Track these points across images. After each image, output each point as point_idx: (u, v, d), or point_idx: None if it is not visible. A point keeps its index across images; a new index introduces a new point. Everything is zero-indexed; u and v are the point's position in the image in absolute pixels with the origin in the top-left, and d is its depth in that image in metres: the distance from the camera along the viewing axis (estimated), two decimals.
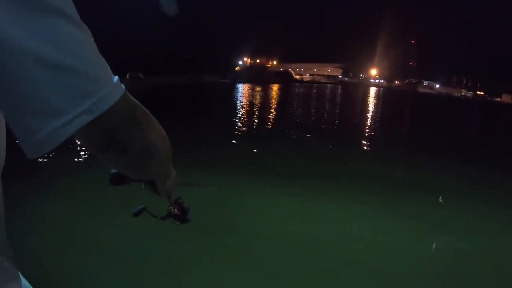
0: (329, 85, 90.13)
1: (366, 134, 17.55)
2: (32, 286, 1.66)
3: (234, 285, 4.66)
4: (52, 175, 8.52)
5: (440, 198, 5.46)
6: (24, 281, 1.52)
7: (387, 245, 5.71)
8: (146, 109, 0.66)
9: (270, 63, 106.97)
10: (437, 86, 78.56)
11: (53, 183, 8.07)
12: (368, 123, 21.96)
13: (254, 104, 32.89)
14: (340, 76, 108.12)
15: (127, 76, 54.43)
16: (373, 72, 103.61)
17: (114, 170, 0.72)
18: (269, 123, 20.40)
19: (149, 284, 4.54)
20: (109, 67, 0.57)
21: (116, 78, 0.57)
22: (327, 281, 4.70)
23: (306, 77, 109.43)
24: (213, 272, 4.91)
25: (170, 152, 0.75)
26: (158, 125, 0.70)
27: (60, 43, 0.49)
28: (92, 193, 7.94)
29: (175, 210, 1.06)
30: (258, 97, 42.26)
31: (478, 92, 64.78)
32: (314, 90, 64.90)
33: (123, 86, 0.58)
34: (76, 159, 10.15)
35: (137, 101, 0.64)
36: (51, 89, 0.48)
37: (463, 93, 66.61)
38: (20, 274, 0.70)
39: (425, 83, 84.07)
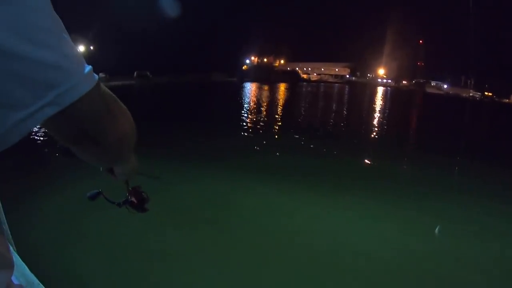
0: (337, 84, 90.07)
1: (372, 135, 17.91)
2: (34, 275, 2.15)
3: (235, 274, 4.94)
4: (53, 171, 8.87)
5: (437, 229, 5.64)
6: (26, 271, 1.94)
7: (393, 243, 6.11)
8: (116, 97, 0.65)
9: (278, 62, 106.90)
10: (445, 86, 78.12)
11: (56, 178, 8.43)
12: (375, 124, 22.25)
13: (261, 103, 33.21)
14: (347, 76, 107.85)
15: (135, 74, 55.15)
16: (381, 71, 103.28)
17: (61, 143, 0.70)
18: (275, 122, 20.79)
19: (150, 275, 4.74)
20: (82, 57, 0.53)
21: (88, 68, 0.54)
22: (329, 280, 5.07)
23: (314, 77, 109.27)
24: (213, 261, 5.19)
25: (135, 138, 0.75)
26: (127, 112, 0.69)
27: (22, 31, 0.44)
28: (92, 188, 8.32)
29: (132, 197, 1.09)
30: (265, 96, 42.49)
31: (486, 93, 64.31)
32: (321, 90, 64.96)
33: (96, 76, 0.55)
34: (71, 162, 10.54)
35: (109, 91, 0.62)
36: (11, 80, 0.44)
37: (471, 94, 66.17)
38: (21, 261, 0.97)
39: (433, 83, 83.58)
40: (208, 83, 57.30)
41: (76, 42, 44.09)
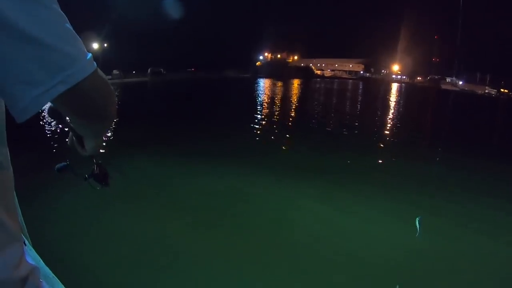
0: (350, 81, 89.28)
1: (386, 132, 17.76)
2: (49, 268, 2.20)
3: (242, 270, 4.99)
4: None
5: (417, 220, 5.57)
6: (41, 264, 2.02)
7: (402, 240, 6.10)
8: (108, 81, 0.77)
9: (291, 58, 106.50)
10: (460, 83, 76.73)
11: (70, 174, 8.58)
12: (389, 121, 22.06)
13: (275, 99, 33.22)
14: (361, 72, 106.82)
15: (149, 71, 55.49)
16: (395, 68, 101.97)
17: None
18: (288, 118, 20.80)
19: (159, 268, 4.81)
20: (83, 45, 0.65)
21: (89, 55, 0.65)
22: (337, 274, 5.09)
23: (327, 73, 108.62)
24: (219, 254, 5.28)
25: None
26: (114, 93, 0.82)
27: (42, 23, 0.57)
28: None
29: (97, 171, 1.18)
30: (278, 92, 42.47)
31: (502, 90, 62.85)
32: (335, 86, 64.54)
33: (95, 63, 0.66)
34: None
35: (104, 76, 0.74)
36: (32, 63, 0.57)
37: (486, 91, 64.81)
38: (36, 255, 1.07)
39: (448, 79, 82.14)
40: (221, 80, 57.42)
41: (90, 40, 44.62)
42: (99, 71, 0.68)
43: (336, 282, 4.79)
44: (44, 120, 14.65)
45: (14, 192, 0.77)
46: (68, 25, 0.62)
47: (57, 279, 2.64)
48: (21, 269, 0.70)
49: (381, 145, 13.97)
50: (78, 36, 0.64)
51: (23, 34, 0.54)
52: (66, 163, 1.18)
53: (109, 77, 45.46)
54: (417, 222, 5.10)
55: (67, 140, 1.06)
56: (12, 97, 0.59)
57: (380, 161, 11.39)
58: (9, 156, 0.74)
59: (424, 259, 5.42)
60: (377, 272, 4.99)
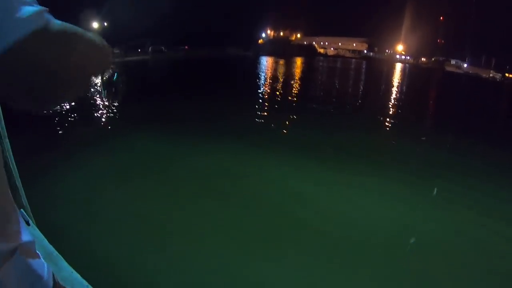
0: (354, 60, 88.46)
1: (389, 112, 17.72)
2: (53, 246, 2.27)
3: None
4: (70, 147, 9.15)
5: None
6: (45, 242, 2.10)
7: (400, 220, 6.18)
8: (77, 30, 0.67)
9: (294, 36, 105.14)
10: (465, 65, 75.89)
11: (73, 153, 8.69)
12: (391, 101, 21.97)
13: (277, 77, 33.01)
14: (365, 51, 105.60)
15: (150, 49, 54.93)
16: (399, 48, 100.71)
17: None
18: (290, 97, 20.70)
19: (165, 245, 4.88)
20: (27, 2, 0.57)
21: (32, 11, 0.56)
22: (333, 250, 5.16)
23: (330, 51, 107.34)
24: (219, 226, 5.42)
25: (104, 54, 0.83)
26: (89, 39, 0.71)
27: None
28: (108, 161, 8.61)
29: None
30: (281, 70, 42.17)
31: (507, 74, 62.05)
32: (338, 65, 63.98)
33: (44, 18, 0.58)
34: (92, 133, 10.78)
35: (67, 28, 0.64)
36: None
37: (491, 75, 64.09)
38: (39, 233, 1.12)
39: (453, 61, 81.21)
40: (222, 57, 56.87)
41: (89, 18, 43.89)
42: (56, 26, 0.60)
43: (335, 260, 4.83)
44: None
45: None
46: None
47: (60, 256, 2.71)
48: (11, 240, 0.70)
49: (383, 126, 13.97)
50: None
51: None
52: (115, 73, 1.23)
53: None
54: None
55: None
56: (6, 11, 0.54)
57: (381, 141, 11.43)
58: None
59: (427, 238, 5.50)
60: (378, 250, 5.07)
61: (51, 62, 0.60)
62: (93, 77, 0.81)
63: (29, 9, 0.56)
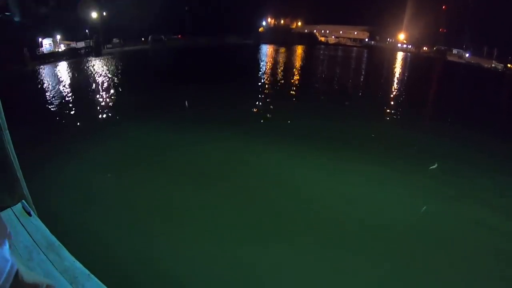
0: (355, 48, 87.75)
1: (390, 100, 17.67)
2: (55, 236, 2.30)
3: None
4: (70, 138, 9.16)
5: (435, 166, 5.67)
6: (47, 232, 2.16)
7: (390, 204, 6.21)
8: None
9: (295, 24, 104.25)
10: (467, 55, 75.32)
11: (73, 144, 8.72)
12: (393, 90, 21.88)
13: (278, 65, 32.82)
14: (366, 40, 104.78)
15: (149, 39, 54.58)
16: (401, 36, 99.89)
17: None
18: (291, 85, 20.63)
19: (164, 232, 4.98)
20: None
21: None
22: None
23: (331, 40, 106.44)
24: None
25: None
26: None
27: None
28: (108, 151, 8.63)
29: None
30: (282, 58, 41.93)
31: (509, 65, 61.48)
32: (339, 54, 63.55)
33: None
34: (90, 124, 10.79)
35: None
36: None
37: (493, 65, 63.58)
38: (41, 224, 1.18)
39: (455, 51, 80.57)
40: (223, 46, 56.43)
41: (88, 7, 43.40)
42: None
43: (336, 248, 4.89)
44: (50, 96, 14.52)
45: None
46: None
47: (62, 246, 2.74)
48: None
49: (384, 116, 13.95)
50: None
51: None
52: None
53: (110, 46, 44.87)
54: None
55: None
56: None
57: (383, 131, 11.43)
58: None
59: (428, 224, 5.54)
60: (377, 234, 5.12)
61: None
62: None
63: None
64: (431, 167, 6.03)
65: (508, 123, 15.11)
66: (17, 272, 0.93)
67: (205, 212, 5.45)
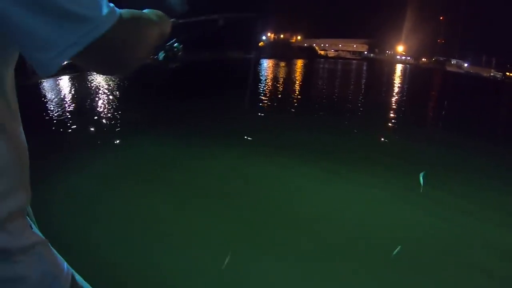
0: (355, 61, 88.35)
1: (391, 112, 17.67)
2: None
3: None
4: (72, 150, 9.12)
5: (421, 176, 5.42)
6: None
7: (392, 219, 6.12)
8: (139, 14, 0.84)
9: (294, 39, 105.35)
10: (466, 65, 75.78)
11: (74, 157, 8.65)
12: (393, 101, 21.91)
13: (278, 79, 33.01)
14: (365, 52, 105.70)
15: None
16: (400, 48, 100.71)
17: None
18: (292, 99, 20.67)
19: (161, 245, 4.85)
20: (99, 2, 0.66)
21: (107, 9, 0.67)
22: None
23: (331, 53, 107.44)
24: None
25: (163, 23, 1.08)
26: (150, 20, 0.93)
27: None
28: (109, 164, 8.58)
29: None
30: (282, 72, 42.19)
31: (508, 73, 61.83)
32: (339, 67, 63.97)
33: (117, 13, 0.70)
34: (92, 137, 10.69)
35: (132, 14, 0.79)
36: (44, 27, 0.60)
37: (492, 74, 63.94)
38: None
39: (453, 61, 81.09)
40: (224, 60, 56.84)
41: None
42: (126, 15, 0.72)
43: (337, 262, 4.79)
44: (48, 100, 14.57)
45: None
46: None
47: (63, 260, 2.68)
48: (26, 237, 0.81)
49: (384, 126, 13.92)
50: None
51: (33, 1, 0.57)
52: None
53: None
54: (421, 178, 5.09)
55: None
56: (33, 60, 0.64)
57: (384, 141, 11.38)
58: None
59: (430, 235, 5.45)
60: (378, 247, 5.02)
61: (129, 39, 0.75)
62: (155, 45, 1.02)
63: (109, 5, 0.68)
64: (422, 181, 5.82)
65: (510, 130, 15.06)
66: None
67: (212, 226, 5.43)
